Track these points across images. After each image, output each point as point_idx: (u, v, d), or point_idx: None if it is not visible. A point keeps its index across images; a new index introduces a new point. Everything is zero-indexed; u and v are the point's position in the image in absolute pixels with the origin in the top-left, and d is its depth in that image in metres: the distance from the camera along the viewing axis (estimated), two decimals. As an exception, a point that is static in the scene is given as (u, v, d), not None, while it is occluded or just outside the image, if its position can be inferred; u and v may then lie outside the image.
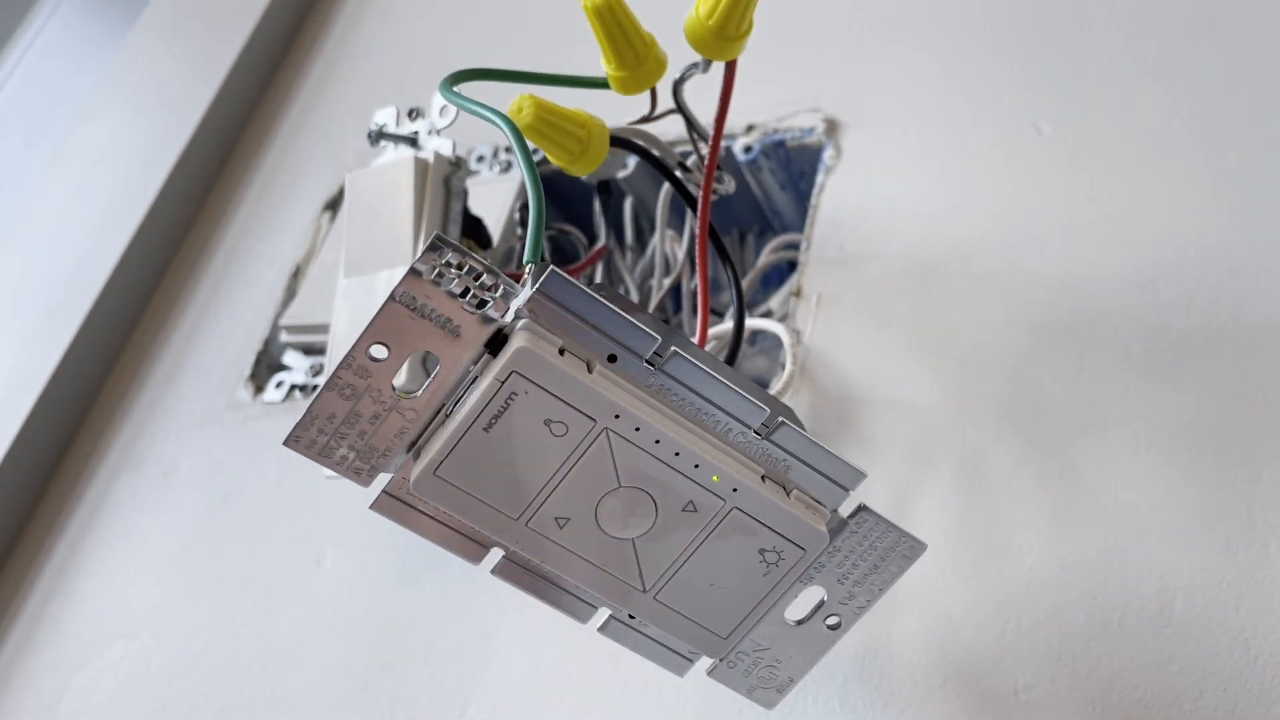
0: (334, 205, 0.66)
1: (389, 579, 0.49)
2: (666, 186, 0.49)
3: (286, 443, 0.28)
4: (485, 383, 0.28)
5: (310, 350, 0.60)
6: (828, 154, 0.52)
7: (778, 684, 0.34)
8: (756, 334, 0.53)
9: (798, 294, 0.48)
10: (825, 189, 0.51)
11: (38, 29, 0.91)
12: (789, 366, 0.41)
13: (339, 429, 0.28)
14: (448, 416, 0.29)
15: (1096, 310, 0.43)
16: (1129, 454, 0.39)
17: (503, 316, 0.28)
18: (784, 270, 0.58)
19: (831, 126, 0.52)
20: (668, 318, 0.55)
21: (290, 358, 0.60)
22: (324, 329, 0.58)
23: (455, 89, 0.34)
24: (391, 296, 0.27)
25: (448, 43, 0.70)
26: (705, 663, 0.33)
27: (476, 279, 0.27)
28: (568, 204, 0.60)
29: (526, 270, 0.28)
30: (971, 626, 0.38)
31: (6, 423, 0.62)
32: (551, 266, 0.27)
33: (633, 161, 0.57)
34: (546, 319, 0.28)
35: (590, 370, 0.28)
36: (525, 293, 0.28)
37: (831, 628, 0.33)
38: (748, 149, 0.54)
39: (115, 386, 0.65)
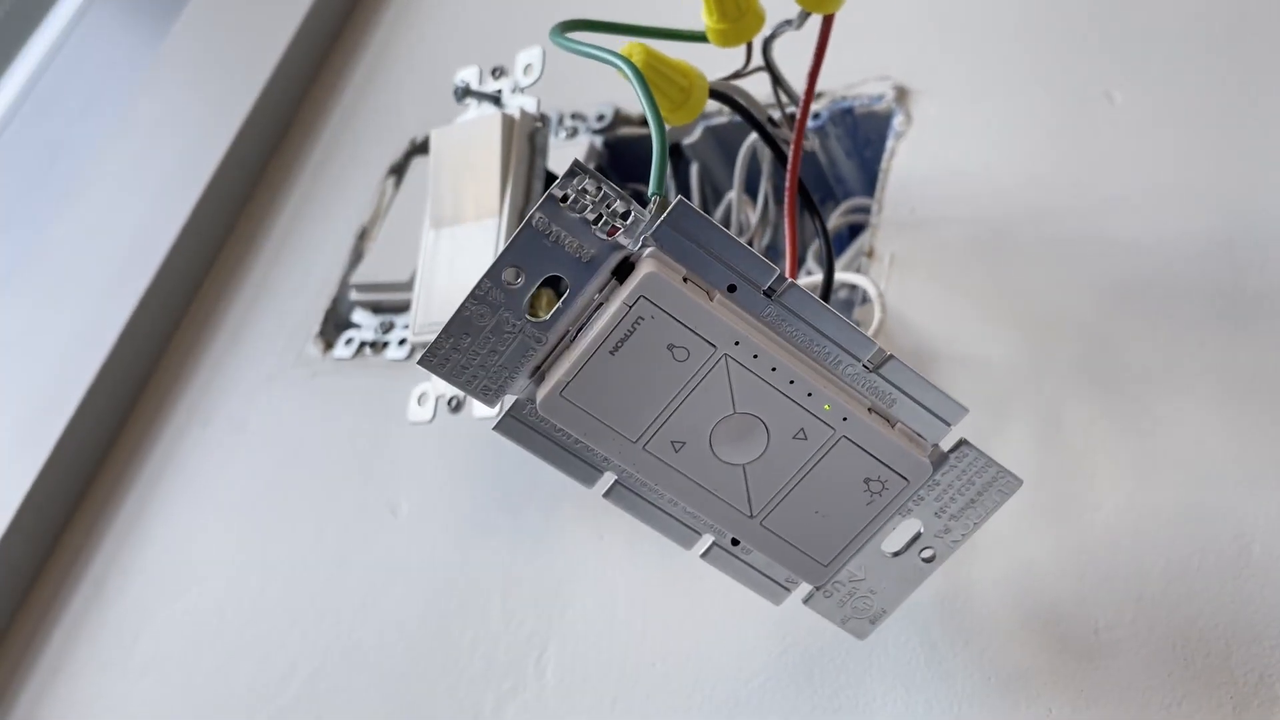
0: (399, 170, 0.67)
1: (465, 526, 0.50)
2: (744, 149, 0.50)
3: (421, 362, 0.29)
4: (614, 306, 0.29)
5: (379, 309, 0.61)
6: (898, 120, 0.53)
7: (871, 615, 0.35)
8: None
9: (870, 254, 0.49)
10: (896, 154, 0.52)
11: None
12: (877, 315, 0.42)
13: (470, 348, 0.29)
14: (573, 340, 0.30)
15: (1171, 272, 0.43)
16: (1205, 407, 0.40)
17: (631, 244, 0.29)
18: (844, 238, 0.59)
19: (901, 94, 0.53)
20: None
21: (359, 315, 0.61)
22: (393, 288, 0.60)
23: (566, 36, 0.36)
24: (528, 221, 0.28)
25: (511, 8, 0.71)
26: (800, 592, 0.35)
27: (609, 206, 0.28)
28: (635, 169, 0.61)
29: (652, 201, 0.29)
30: (1051, 571, 0.39)
31: (77, 379, 0.63)
32: (680, 198, 0.28)
33: (700, 128, 0.58)
34: (671, 248, 0.29)
35: (711, 299, 0.29)
36: (653, 222, 0.29)
37: (926, 560, 0.34)
38: (816, 115, 0.55)
39: (182, 344, 0.66)
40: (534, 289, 0.29)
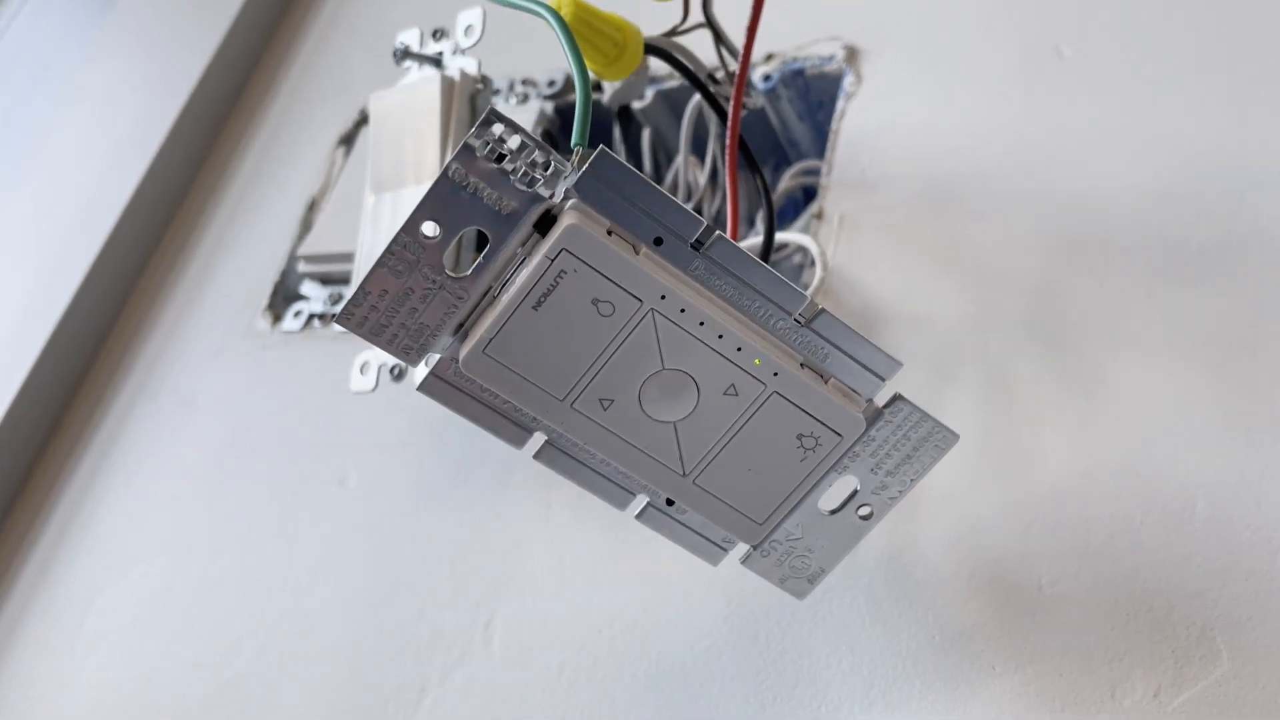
0: (348, 140, 0.66)
1: (413, 496, 0.50)
2: (690, 110, 0.50)
3: (338, 320, 0.29)
4: (535, 260, 0.28)
5: (327, 280, 0.60)
6: (848, 80, 0.52)
7: (809, 574, 0.34)
8: (774, 263, 0.53)
9: (819, 216, 0.49)
10: (845, 114, 0.51)
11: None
12: (819, 272, 0.42)
13: (390, 306, 0.29)
14: (495, 297, 0.29)
15: (1117, 226, 0.43)
16: (1151, 361, 0.40)
17: (552, 196, 0.28)
18: (799, 203, 0.58)
19: (851, 54, 0.53)
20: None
21: (308, 287, 0.60)
22: (341, 258, 0.59)
23: (494, -12, 0.35)
24: (444, 172, 0.27)
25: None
26: (738, 553, 0.34)
27: (528, 156, 0.27)
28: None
29: (575, 152, 0.29)
30: (996, 526, 0.38)
31: (24, 352, 0.62)
32: (602, 147, 0.28)
33: (651, 92, 0.58)
34: (595, 200, 0.28)
35: (637, 252, 0.29)
36: (575, 173, 0.28)
37: (863, 518, 0.33)
38: (766, 78, 0.54)
39: (131, 317, 0.65)
40: (453, 242, 0.28)
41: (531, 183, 0.28)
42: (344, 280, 0.59)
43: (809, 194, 0.57)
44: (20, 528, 0.59)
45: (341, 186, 0.63)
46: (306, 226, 0.63)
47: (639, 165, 0.58)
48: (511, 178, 0.28)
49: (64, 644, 0.54)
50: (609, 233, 0.28)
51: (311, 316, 0.59)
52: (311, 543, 0.51)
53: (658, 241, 0.29)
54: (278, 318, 0.60)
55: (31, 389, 0.61)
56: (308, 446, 0.54)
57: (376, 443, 0.52)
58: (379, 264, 0.28)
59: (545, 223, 0.28)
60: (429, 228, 0.28)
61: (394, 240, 0.28)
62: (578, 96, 0.29)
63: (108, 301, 0.65)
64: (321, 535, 0.51)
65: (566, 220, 0.28)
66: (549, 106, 0.59)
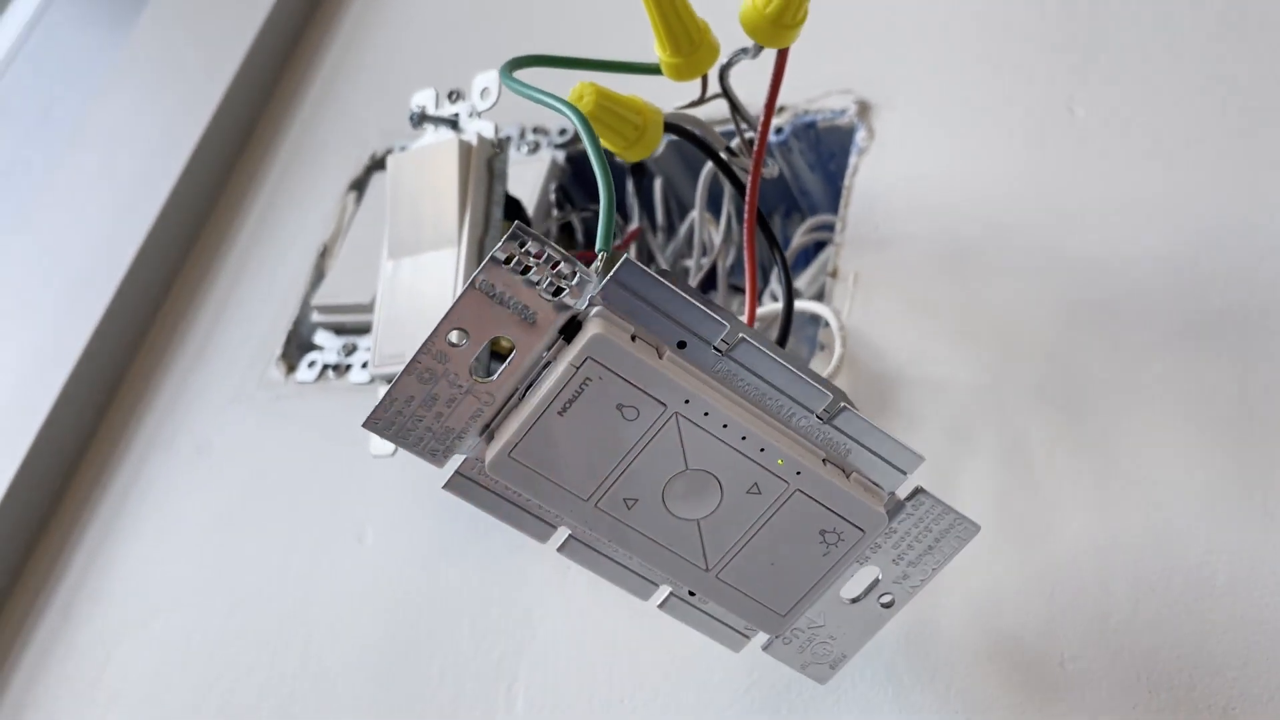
0: (359, 185, 0.66)
1: (432, 553, 0.50)
2: (706, 171, 0.50)
3: (366, 425, 0.29)
4: (560, 368, 0.28)
5: (341, 330, 0.60)
6: (860, 135, 0.52)
7: (831, 660, 0.34)
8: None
9: (834, 274, 0.49)
10: (858, 170, 0.51)
11: (47, 3, 0.90)
12: (838, 349, 0.42)
13: (416, 411, 0.29)
14: (522, 400, 0.29)
15: (1133, 289, 0.43)
16: (1168, 429, 0.40)
17: (578, 304, 0.28)
18: (809, 252, 0.58)
19: (863, 108, 0.53)
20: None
21: (321, 337, 0.61)
22: (356, 309, 0.59)
23: (514, 75, 0.35)
24: (471, 284, 0.27)
25: (470, 20, 0.70)
26: (760, 639, 0.34)
27: (554, 267, 0.28)
28: (596, 185, 0.60)
29: (599, 258, 0.29)
30: (1015, 599, 0.38)
31: (37, 403, 0.62)
32: (626, 255, 0.28)
33: (663, 144, 0.58)
34: (619, 306, 0.29)
35: (660, 356, 0.29)
36: (600, 281, 0.28)
37: (885, 606, 0.34)
38: (779, 130, 0.55)
39: (143, 367, 0.65)
40: (480, 350, 0.28)
41: (558, 292, 0.28)
42: (358, 330, 0.60)
43: (819, 245, 0.58)
44: (37, 578, 0.60)
45: (353, 233, 0.63)
46: (319, 274, 0.63)
47: (651, 216, 0.58)
48: (538, 288, 0.28)
49: (84, 696, 0.54)
50: (633, 338, 0.29)
51: (326, 367, 0.59)
52: (331, 598, 0.51)
53: (681, 345, 0.29)
54: (291, 368, 0.60)
55: (45, 438, 0.62)
56: (325, 501, 0.54)
57: (393, 498, 0.52)
58: (406, 371, 0.28)
59: (571, 328, 0.29)
60: (456, 336, 0.28)
61: (421, 349, 0.28)
62: (601, 200, 0.30)
63: (120, 349, 0.65)
64: (340, 591, 0.51)
65: (591, 330, 0.28)
66: (560, 156, 0.59)
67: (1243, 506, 0.38)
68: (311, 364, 0.59)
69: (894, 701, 0.38)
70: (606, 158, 0.39)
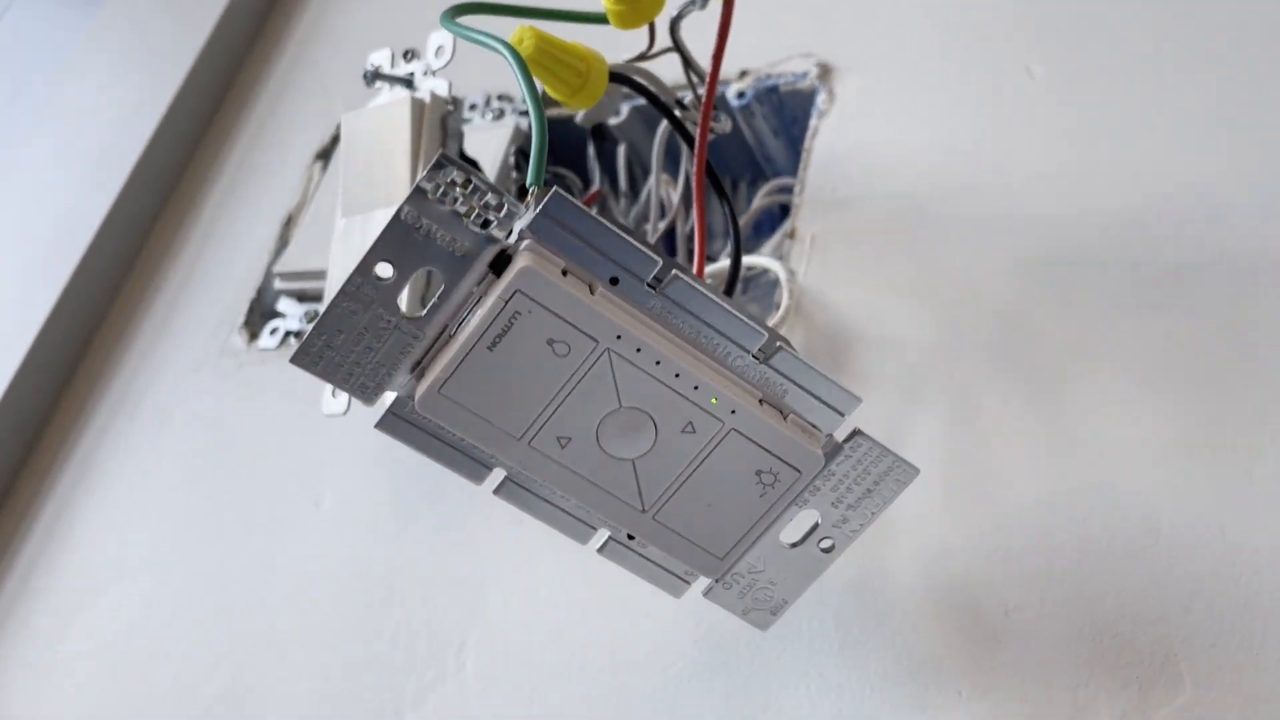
0: (325, 154, 0.66)
1: (387, 518, 0.50)
2: (662, 130, 0.50)
3: (294, 360, 0.29)
4: (489, 302, 0.28)
5: (304, 297, 0.60)
6: (821, 98, 0.52)
7: (771, 606, 0.34)
8: (750, 280, 0.53)
9: (792, 235, 0.49)
10: (818, 133, 0.51)
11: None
12: (785, 301, 0.42)
13: (344, 345, 0.29)
14: (451, 336, 0.29)
15: (1086, 248, 0.43)
16: (1116, 386, 0.40)
17: (506, 237, 0.28)
18: (775, 219, 0.58)
19: (825, 71, 0.53)
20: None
21: (284, 304, 0.60)
22: (318, 275, 0.59)
23: (456, 21, 0.35)
24: (397, 215, 0.27)
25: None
26: (701, 585, 0.34)
27: (481, 199, 0.27)
28: (561, 150, 0.60)
29: (530, 193, 0.29)
30: (962, 551, 0.38)
31: (1, 370, 0.62)
32: (555, 188, 0.28)
33: (626, 108, 0.58)
34: (550, 240, 0.28)
35: (593, 292, 0.29)
36: (529, 214, 0.28)
37: (825, 550, 0.33)
38: (740, 94, 0.54)
39: (108, 335, 0.65)
40: (408, 284, 0.28)
41: (485, 224, 0.28)
42: (320, 297, 0.59)
43: (785, 209, 0.57)
44: (-2, 546, 0.59)
45: (318, 202, 0.63)
46: (283, 243, 0.63)
47: (614, 182, 0.58)
48: (465, 220, 0.28)
49: (42, 665, 0.54)
50: (564, 273, 0.28)
51: (288, 334, 0.59)
52: (287, 564, 0.51)
53: (614, 281, 0.29)
54: (254, 335, 0.60)
55: (8, 406, 0.61)
56: (284, 466, 0.54)
57: (351, 462, 0.52)
58: (333, 305, 0.28)
59: (500, 263, 0.28)
60: (383, 269, 0.28)
61: (348, 282, 0.28)
62: (534, 136, 0.29)
63: (84, 317, 0.65)
64: (297, 556, 0.51)
65: (520, 262, 0.28)
66: (524, 122, 0.59)
67: (1189, 461, 0.38)
68: (274, 331, 0.59)
69: (840, 650, 0.38)
70: (555, 123, 0.39)
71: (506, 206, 0.28)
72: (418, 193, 0.27)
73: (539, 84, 0.36)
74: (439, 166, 0.27)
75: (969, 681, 0.36)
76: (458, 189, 0.27)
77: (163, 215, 0.69)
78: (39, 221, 0.68)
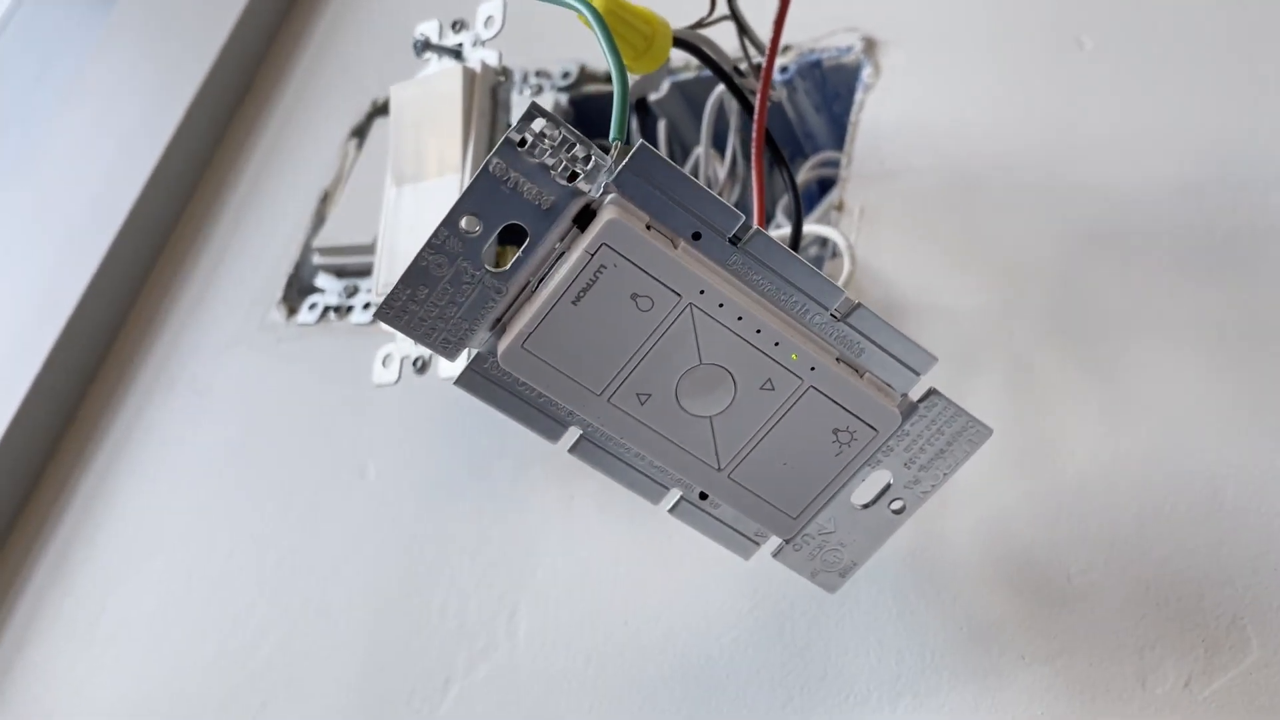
0: (360, 132, 0.66)
1: (434, 487, 0.50)
2: (712, 102, 0.50)
3: (378, 315, 0.29)
4: (575, 255, 0.28)
5: (342, 273, 0.60)
6: (866, 72, 0.52)
7: (840, 568, 0.34)
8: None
9: (839, 207, 0.49)
10: (864, 106, 0.51)
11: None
12: (846, 267, 0.42)
13: (428, 300, 0.29)
14: (534, 291, 0.29)
15: (1141, 218, 0.43)
16: (1176, 352, 0.40)
17: (592, 190, 0.28)
18: (814, 196, 0.58)
19: (869, 45, 0.53)
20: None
21: (322, 280, 0.60)
22: (357, 250, 0.59)
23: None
24: (485, 166, 0.27)
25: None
26: (769, 547, 0.34)
27: (569, 151, 0.27)
28: (598, 128, 0.60)
29: (614, 146, 0.29)
30: (1023, 517, 0.38)
31: (38, 345, 0.62)
32: (642, 141, 0.28)
33: (667, 84, 0.58)
34: (634, 194, 0.28)
35: (675, 247, 0.29)
36: (615, 168, 0.28)
37: (896, 512, 0.33)
38: (784, 69, 0.54)
39: (145, 310, 0.65)
40: (493, 238, 0.28)
41: (572, 177, 0.28)
42: (359, 273, 0.59)
43: (824, 186, 0.58)
44: (37, 519, 0.59)
45: (355, 178, 0.63)
46: (320, 219, 0.63)
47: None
48: (552, 172, 0.28)
49: (84, 636, 0.54)
50: (648, 227, 0.28)
51: (327, 309, 0.59)
52: (332, 534, 0.51)
53: (696, 236, 0.29)
54: (293, 310, 0.60)
55: (46, 382, 0.61)
56: (325, 439, 0.54)
57: (395, 435, 0.52)
58: (418, 259, 0.28)
59: (584, 217, 0.28)
60: (468, 222, 0.28)
61: (433, 235, 0.28)
62: (615, 91, 0.29)
63: (121, 294, 0.65)
64: (342, 527, 0.51)
65: (606, 215, 0.28)
66: (563, 99, 0.59)
67: (1251, 426, 0.38)
68: (313, 306, 0.59)
69: (899, 617, 0.38)
70: (592, 100, 0.39)
71: (594, 159, 0.28)
72: (506, 144, 0.27)
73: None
74: (529, 117, 0.27)
75: (1033, 646, 0.36)
76: (546, 140, 0.27)
77: (197, 193, 0.69)
78: (73, 201, 0.68)
